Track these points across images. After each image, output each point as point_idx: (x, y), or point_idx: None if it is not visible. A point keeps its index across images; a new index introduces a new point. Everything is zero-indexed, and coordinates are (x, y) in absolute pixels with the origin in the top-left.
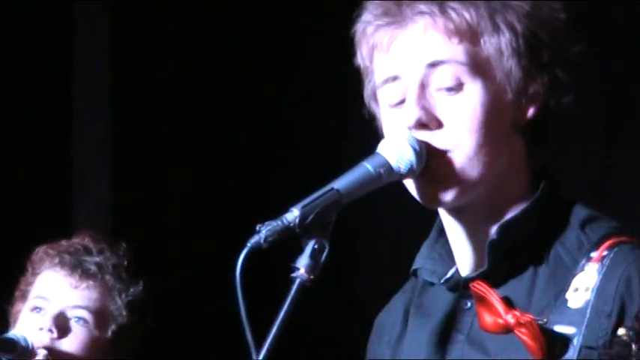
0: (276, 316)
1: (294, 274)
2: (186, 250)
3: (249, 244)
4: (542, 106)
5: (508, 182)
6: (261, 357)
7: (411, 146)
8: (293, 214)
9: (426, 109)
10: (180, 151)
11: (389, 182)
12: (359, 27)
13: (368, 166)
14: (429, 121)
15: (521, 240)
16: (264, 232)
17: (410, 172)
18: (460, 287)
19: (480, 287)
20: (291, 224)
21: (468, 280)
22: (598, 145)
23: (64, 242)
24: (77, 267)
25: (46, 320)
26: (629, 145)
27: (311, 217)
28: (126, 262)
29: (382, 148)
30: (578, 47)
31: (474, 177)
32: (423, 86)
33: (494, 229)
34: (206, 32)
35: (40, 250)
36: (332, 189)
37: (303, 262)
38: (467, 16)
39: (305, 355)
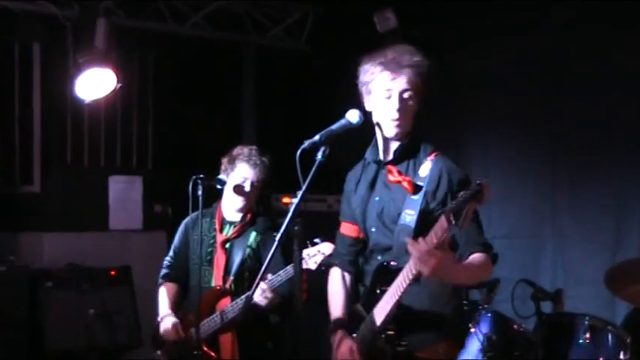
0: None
1: (318, 158)
2: None
3: (306, 142)
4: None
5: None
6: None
7: (359, 117)
8: (319, 136)
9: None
10: None
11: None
12: (368, 68)
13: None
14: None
15: (406, 149)
16: (316, 137)
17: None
18: (382, 165)
19: (391, 167)
20: (320, 137)
21: (386, 162)
22: None
23: (246, 148)
24: (255, 160)
25: (248, 189)
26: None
27: (326, 136)
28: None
29: (349, 115)
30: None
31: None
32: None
33: (397, 144)
34: None
35: (238, 148)
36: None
37: (321, 153)
38: (415, 71)
39: None
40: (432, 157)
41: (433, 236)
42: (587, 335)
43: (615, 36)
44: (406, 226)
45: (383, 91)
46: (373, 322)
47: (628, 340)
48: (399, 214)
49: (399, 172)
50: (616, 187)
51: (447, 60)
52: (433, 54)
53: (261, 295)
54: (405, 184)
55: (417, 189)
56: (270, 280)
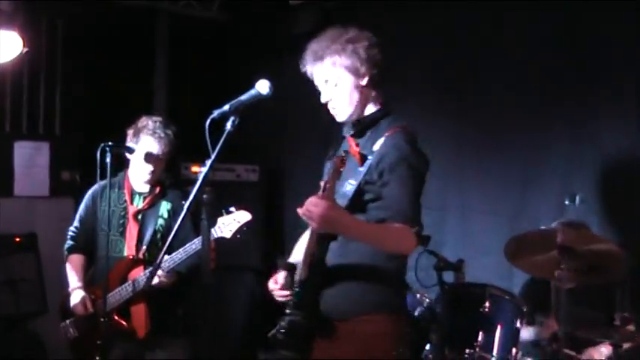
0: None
1: (228, 128)
2: None
3: (216, 111)
4: (369, 78)
5: (365, 105)
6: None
7: (269, 88)
8: (228, 106)
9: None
10: None
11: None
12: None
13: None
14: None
15: (366, 124)
16: (225, 107)
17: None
18: (345, 137)
19: (350, 140)
20: (230, 107)
21: (348, 134)
22: None
23: (150, 120)
24: (160, 134)
25: (153, 162)
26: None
27: (235, 107)
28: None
29: (259, 86)
30: (378, 54)
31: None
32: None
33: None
34: None
35: (142, 120)
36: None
37: (230, 123)
38: (329, 60)
39: None
40: (390, 132)
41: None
42: (487, 304)
43: (519, 15)
44: (344, 194)
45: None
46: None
47: (524, 309)
48: None
49: (357, 145)
50: (518, 162)
51: None
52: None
53: (156, 278)
54: (356, 156)
55: (364, 161)
56: (167, 261)
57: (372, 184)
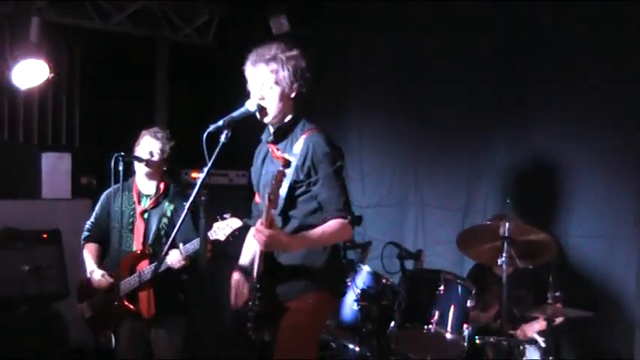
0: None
1: (222, 140)
2: None
3: (211, 126)
4: (297, 94)
5: (286, 114)
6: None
7: (257, 106)
8: (222, 121)
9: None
10: None
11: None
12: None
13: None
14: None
15: (285, 130)
16: (220, 122)
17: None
18: (268, 142)
19: (271, 146)
20: (224, 122)
21: (269, 141)
22: None
23: (151, 129)
24: (157, 135)
25: (155, 157)
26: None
27: (228, 121)
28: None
29: (248, 104)
30: (309, 76)
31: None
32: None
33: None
34: None
35: (144, 130)
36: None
37: (224, 135)
38: (265, 66)
39: None
40: (306, 134)
41: (264, 216)
42: (442, 287)
43: (466, 29)
44: (279, 197)
45: (250, 85)
46: (252, 275)
47: (473, 291)
48: None
49: (278, 149)
50: (467, 163)
51: (333, 53)
52: (321, 48)
53: (177, 262)
54: (281, 160)
55: (288, 164)
56: (185, 248)
57: (300, 182)
